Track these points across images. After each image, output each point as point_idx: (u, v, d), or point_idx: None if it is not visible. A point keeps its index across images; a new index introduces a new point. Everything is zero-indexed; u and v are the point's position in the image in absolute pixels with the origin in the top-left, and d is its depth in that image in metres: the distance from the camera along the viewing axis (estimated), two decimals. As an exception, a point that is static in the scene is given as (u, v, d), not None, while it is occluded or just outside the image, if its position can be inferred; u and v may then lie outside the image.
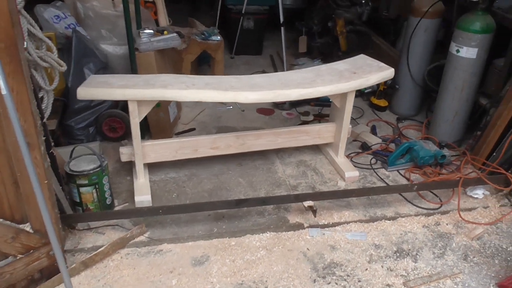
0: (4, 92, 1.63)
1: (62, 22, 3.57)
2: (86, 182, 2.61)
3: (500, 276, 2.45)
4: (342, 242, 2.64)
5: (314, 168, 3.28)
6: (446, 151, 3.26)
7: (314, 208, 2.65)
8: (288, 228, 2.71)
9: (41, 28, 2.77)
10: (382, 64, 3.14)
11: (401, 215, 2.86)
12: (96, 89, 2.66)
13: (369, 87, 4.06)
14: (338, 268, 2.47)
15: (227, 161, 3.28)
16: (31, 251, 2.26)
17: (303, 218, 2.78)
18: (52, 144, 2.44)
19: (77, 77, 3.26)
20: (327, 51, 4.85)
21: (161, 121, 3.45)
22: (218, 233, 2.67)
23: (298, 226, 2.73)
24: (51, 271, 2.33)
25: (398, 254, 2.58)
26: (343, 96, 3.03)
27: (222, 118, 3.93)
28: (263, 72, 4.82)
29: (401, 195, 2.99)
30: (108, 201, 2.77)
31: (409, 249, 2.61)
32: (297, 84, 2.87)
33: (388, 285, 2.38)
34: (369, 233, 2.72)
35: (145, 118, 2.85)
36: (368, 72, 3.04)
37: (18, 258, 2.22)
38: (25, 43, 2.12)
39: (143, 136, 2.87)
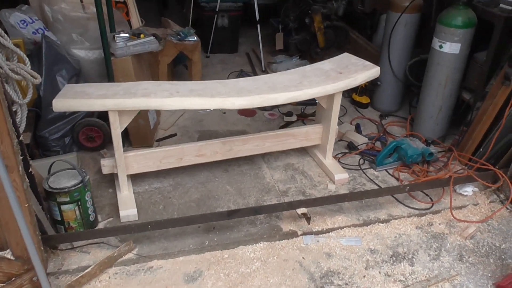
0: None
1: (30, 27, 3.38)
2: (68, 199, 2.46)
3: (497, 276, 2.44)
4: (337, 249, 2.58)
5: (303, 171, 3.21)
6: (433, 148, 3.25)
7: (308, 216, 2.58)
8: (282, 237, 2.64)
9: (6, 34, 2.59)
10: (367, 62, 3.09)
11: (394, 217, 2.82)
12: (74, 100, 2.50)
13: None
14: (335, 276, 2.41)
15: (213, 167, 3.17)
16: (13, 278, 2.11)
17: (296, 226, 2.71)
18: (30, 162, 2.28)
19: (50, 86, 3.08)
20: (304, 48, 4.78)
21: (141, 129, 3.31)
22: (209, 246, 2.57)
23: (292, 234, 2.65)
24: (36, 298, 2.18)
25: (394, 259, 2.54)
26: (330, 97, 2.97)
27: (203, 121, 3.81)
28: (241, 71, 4.72)
29: (393, 196, 2.95)
30: (91, 218, 2.62)
31: (405, 252, 2.58)
32: (284, 87, 2.78)
33: (387, 291, 2.34)
34: (364, 237, 2.67)
35: (125, 126, 2.72)
36: (354, 71, 2.98)
37: (-1, 287, 2.08)
38: (-3, 57, 1.96)
39: (122, 145, 2.73)
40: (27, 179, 2.12)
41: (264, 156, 3.32)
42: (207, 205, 2.87)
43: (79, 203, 2.51)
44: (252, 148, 3.05)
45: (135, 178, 2.99)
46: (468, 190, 3.01)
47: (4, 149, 1.88)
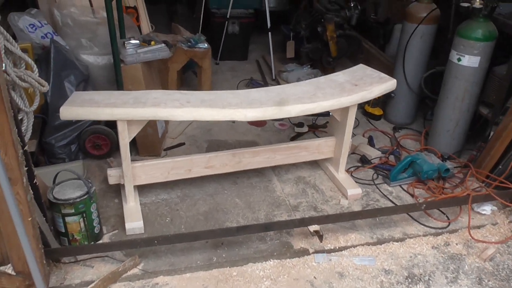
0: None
1: (38, 31, 3.32)
2: (72, 211, 2.38)
3: (518, 302, 2.34)
4: (350, 268, 2.48)
5: (314, 185, 3.11)
6: (449, 164, 3.14)
7: (321, 233, 2.48)
8: (293, 255, 2.54)
9: (15, 38, 2.52)
10: (383, 74, 2.99)
11: (409, 235, 2.72)
12: (82, 108, 2.42)
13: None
14: (348, 298, 2.31)
15: (222, 179, 3.08)
16: (14, 294, 2.03)
17: (308, 243, 2.61)
18: (35, 172, 2.20)
19: (57, 92, 3.01)
20: (316, 57, 4.68)
21: (149, 137, 3.23)
22: (217, 262, 2.48)
23: (303, 252, 2.56)
24: (37, 315, 2.10)
25: (410, 280, 2.43)
26: (345, 109, 2.87)
27: (212, 131, 3.73)
28: (251, 79, 4.64)
29: (408, 214, 2.85)
30: (96, 230, 2.54)
31: (421, 274, 2.47)
32: (298, 98, 2.69)
33: (403, 316, 2.24)
34: (378, 256, 2.57)
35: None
36: (370, 84, 2.89)
37: (-1, 304, 2.00)
38: (4, 65, 1.88)
39: (130, 154, 2.65)
40: (31, 190, 2.04)
41: (275, 168, 3.23)
42: (215, 218, 2.78)
43: (84, 215, 2.43)
44: (262, 160, 2.96)
45: (142, 188, 2.91)
46: (487, 209, 2.90)
47: (8, 161, 1.81)
